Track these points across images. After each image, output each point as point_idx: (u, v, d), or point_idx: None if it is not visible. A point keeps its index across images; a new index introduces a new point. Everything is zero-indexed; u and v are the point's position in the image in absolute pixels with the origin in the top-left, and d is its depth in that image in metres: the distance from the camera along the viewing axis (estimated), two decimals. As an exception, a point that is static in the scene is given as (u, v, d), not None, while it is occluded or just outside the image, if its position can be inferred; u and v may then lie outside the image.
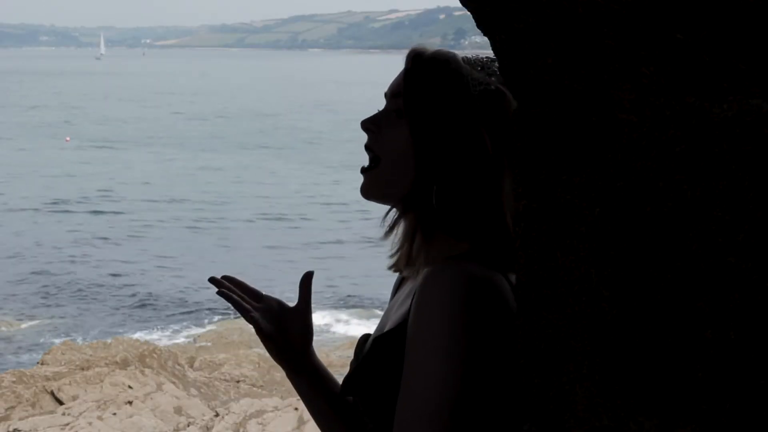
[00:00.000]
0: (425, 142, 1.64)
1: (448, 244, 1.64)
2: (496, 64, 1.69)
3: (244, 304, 1.88)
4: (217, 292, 1.90)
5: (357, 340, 1.83)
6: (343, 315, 18.16)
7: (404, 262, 1.71)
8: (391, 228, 1.72)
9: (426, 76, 1.67)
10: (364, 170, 1.72)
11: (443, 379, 1.51)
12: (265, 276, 19.65)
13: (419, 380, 1.52)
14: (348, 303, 19.08)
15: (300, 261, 21.77)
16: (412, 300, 1.60)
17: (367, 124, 1.72)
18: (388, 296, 1.87)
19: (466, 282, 1.52)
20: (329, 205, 30.32)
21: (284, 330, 1.88)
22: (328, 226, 26.91)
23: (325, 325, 17.20)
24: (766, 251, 1.09)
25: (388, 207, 1.74)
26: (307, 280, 1.91)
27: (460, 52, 1.75)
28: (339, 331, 17.11)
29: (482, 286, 1.53)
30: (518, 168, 1.30)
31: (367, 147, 1.72)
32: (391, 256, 1.75)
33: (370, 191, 1.72)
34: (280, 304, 1.91)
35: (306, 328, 1.90)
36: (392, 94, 1.71)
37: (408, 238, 1.69)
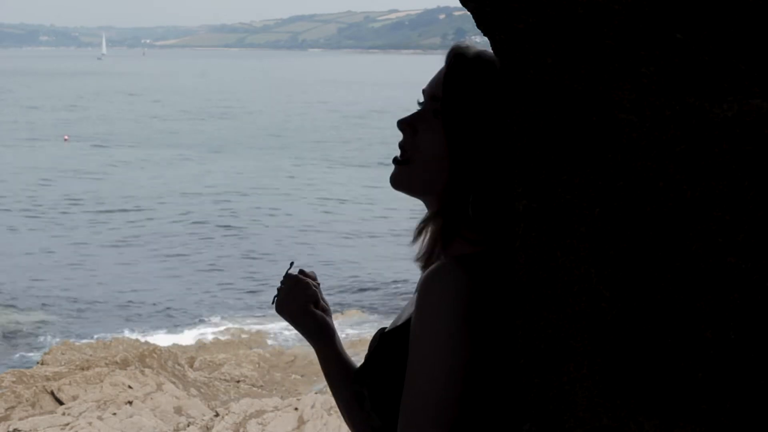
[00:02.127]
0: (462, 149, 1.62)
1: (464, 244, 1.64)
2: None
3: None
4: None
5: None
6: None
7: (424, 262, 1.72)
8: (420, 231, 1.72)
9: (466, 83, 1.64)
10: (396, 161, 1.72)
11: (446, 374, 1.52)
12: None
13: (423, 375, 1.53)
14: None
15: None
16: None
17: (403, 125, 1.70)
18: None
19: (468, 282, 1.53)
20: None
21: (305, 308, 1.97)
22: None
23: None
24: (766, 251, 1.09)
25: (422, 216, 1.75)
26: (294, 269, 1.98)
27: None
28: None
29: (484, 288, 1.53)
30: (518, 168, 1.30)
31: (401, 146, 1.71)
32: (418, 258, 1.76)
33: (400, 183, 1.72)
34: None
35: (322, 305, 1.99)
36: (431, 96, 1.68)
37: (432, 242, 1.70)
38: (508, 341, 1.50)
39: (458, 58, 1.66)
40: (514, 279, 1.34)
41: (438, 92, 1.66)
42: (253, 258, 22.86)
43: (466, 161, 1.63)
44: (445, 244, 1.66)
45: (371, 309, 18.01)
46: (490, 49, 1.63)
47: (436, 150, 1.65)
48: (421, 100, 1.73)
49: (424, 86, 1.75)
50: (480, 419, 1.55)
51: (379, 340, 1.72)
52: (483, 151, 1.62)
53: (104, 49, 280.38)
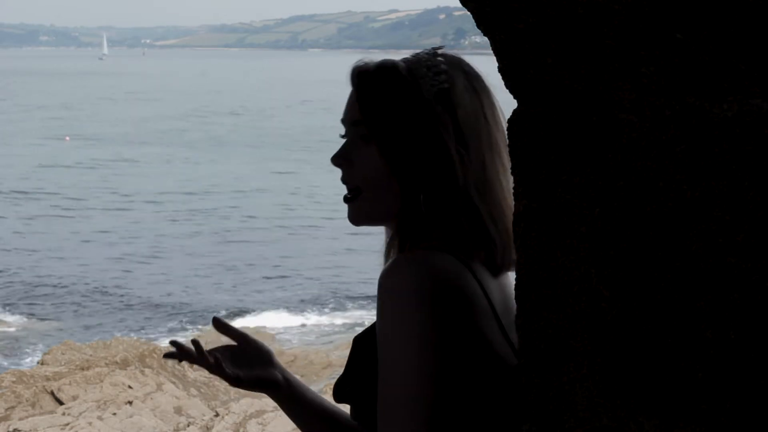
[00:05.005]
0: (400, 159, 1.63)
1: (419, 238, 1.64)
2: (438, 58, 1.67)
3: (212, 364, 1.86)
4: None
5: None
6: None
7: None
8: (388, 251, 1.72)
9: (380, 95, 1.64)
10: (347, 200, 1.71)
11: (416, 366, 1.50)
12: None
13: (394, 372, 1.52)
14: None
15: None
16: None
17: (338, 160, 1.69)
18: None
19: (428, 272, 1.52)
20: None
21: (249, 366, 1.87)
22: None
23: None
24: (766, 251, 1.09)
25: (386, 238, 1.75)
26: (218, 323, 1.90)
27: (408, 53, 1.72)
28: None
29: (445, 276, 1.53)
30: (518, 168, 1.30)
31: (344, 181, 1.70)
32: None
33: (358, 219, 1.71)
34: (226, 349, 1.90)
35: (261, 353, 1.89)
36: (351, 122, 1.68)
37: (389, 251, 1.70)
38: (474, 330, 1.50)
39: (362, 76, 1.67)
40: (515, 279, 1.34)
41: (357, 116, 1.67)
42: (252, 257, 22.86)
43: (410, 169, 1.63)
44: (404, 244, 1.66)
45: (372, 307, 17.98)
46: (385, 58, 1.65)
47: (378, 173, 1.65)
48: (343, 132, 1.71)
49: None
50: (477, 420, 1.54)
51: (352, 346, 1.71)
52: (421, 152, 1.62)
53: (105, 49, 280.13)
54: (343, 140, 1.72)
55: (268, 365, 1.87)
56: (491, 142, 1.64)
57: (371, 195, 1.67)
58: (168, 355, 1.90)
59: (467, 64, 1.70)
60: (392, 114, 1.63)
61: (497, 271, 1.62)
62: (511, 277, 1.66)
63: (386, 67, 1.67)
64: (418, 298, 1.50)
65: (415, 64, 1.67)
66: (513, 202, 1.65)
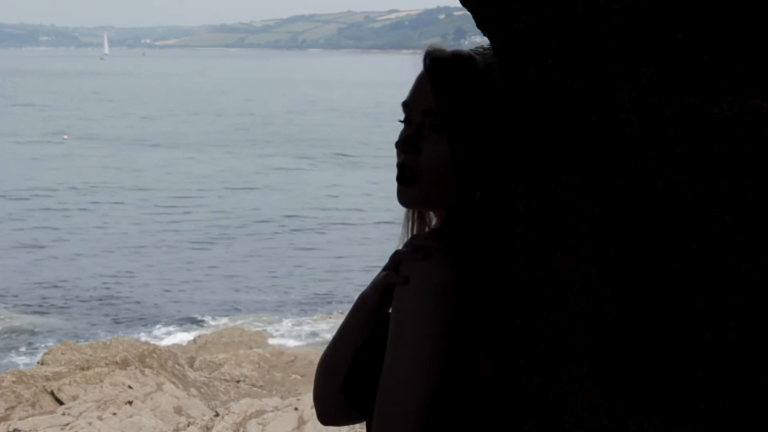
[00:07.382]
0: (471, 155, 1.59)
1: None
2: None
3: None
4: None
5: None
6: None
7: None
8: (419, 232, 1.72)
9: (459, 89, 1.60)
10: (403, 183, 1.66)
11: (424, 357, 1.51)
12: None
13: (400, 360, 1.53)
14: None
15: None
16: None
17: (404, 146, 1.65)
18: None
19: (452, 269, 1.53)
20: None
21: None
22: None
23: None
24: (766, 251, 1.09)
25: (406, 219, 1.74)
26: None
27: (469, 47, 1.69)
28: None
29: (466, 275, 1.54)
30: (518, 168, 1.30)
31: (404, 165, 1.65)
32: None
33: (412, 203, 1.69)
34: None
35: None
36: (423, 111, 1.64)
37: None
38: (493, 337, 1.50)
39: (439, 64, 1.63)
40: (514, 279, 1.34)
41: (431, 105, 1.63)
42: (252, 257, 22.86)
43: (479, 165, 1.61)
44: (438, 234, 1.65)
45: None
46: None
47: (441, 162, 1.62)
48: (403, 114, 1.67)
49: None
50: (477, 419, 1.54)
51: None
52: (494, 151, 1.60)
53: (107, 49, 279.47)
54: (404, 123, 1.68)
55: None
56: None
57: (431, 183, 1.64)
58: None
59: None
60: (471, 110, 1.59)
61: None
62: None
63: (463, 58, 1.62)
64: (437, 291, 1.52)
65: (490, 58, 1.61)
66: None
